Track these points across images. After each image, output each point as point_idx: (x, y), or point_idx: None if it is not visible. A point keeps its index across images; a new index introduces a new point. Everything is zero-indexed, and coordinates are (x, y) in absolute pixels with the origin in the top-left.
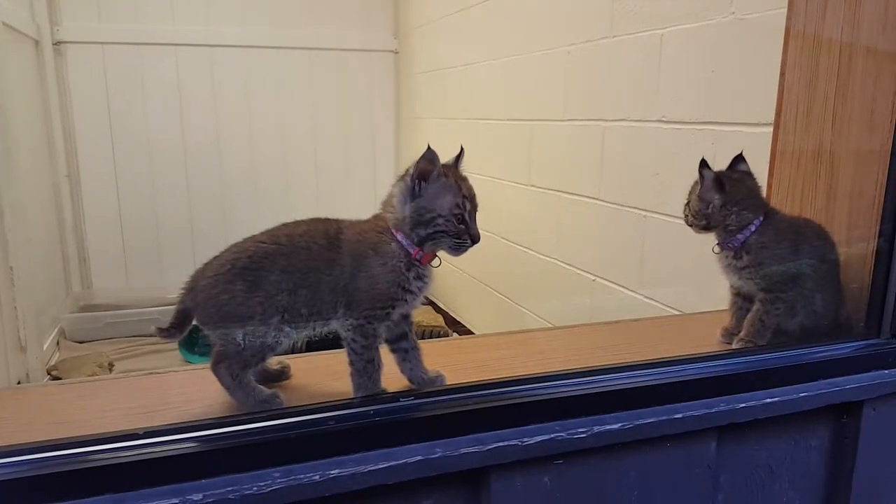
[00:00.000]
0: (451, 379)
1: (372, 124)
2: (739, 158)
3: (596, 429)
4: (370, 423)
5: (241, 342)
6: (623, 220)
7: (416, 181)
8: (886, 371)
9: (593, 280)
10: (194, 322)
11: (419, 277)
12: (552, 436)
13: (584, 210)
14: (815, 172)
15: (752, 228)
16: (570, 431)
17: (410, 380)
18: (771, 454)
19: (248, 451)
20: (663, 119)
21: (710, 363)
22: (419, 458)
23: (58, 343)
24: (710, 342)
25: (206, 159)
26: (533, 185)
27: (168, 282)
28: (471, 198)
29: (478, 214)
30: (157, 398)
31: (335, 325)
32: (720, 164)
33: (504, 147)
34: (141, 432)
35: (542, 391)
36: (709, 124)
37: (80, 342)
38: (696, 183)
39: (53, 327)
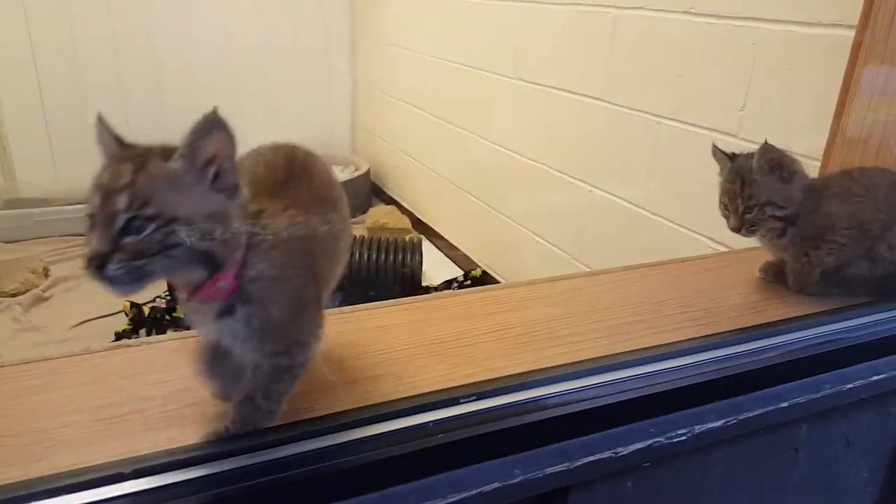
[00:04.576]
0: (501, 355)
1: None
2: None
3: (697, 429)
4: (431, 444)
5: None
6: (631, 126)
7: None
8: None
9: (590, 190)
10: None
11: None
12: (650, 442)
13: (584, 111)
14: None
15: None
16: (668, 435)
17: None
18: (851, 426)
19: (283, 494)
20: (692, 11)
21: (806, 333)
22: (496, 485)
23: None
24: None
25: (139, 48)
26: (521, 80)
27: None
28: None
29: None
30: (133, 389)
31: None
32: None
33: (488, 33)
34: (128, 471)
35: (629, 383)
36: (750, 20)
37: (7, 242)
38: (739, 182)
39: None
